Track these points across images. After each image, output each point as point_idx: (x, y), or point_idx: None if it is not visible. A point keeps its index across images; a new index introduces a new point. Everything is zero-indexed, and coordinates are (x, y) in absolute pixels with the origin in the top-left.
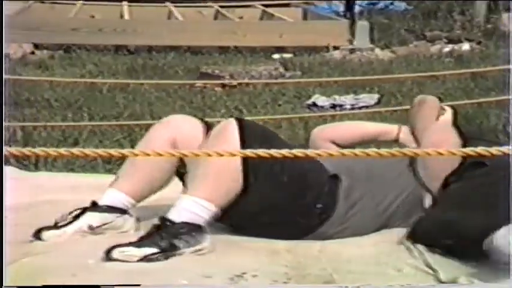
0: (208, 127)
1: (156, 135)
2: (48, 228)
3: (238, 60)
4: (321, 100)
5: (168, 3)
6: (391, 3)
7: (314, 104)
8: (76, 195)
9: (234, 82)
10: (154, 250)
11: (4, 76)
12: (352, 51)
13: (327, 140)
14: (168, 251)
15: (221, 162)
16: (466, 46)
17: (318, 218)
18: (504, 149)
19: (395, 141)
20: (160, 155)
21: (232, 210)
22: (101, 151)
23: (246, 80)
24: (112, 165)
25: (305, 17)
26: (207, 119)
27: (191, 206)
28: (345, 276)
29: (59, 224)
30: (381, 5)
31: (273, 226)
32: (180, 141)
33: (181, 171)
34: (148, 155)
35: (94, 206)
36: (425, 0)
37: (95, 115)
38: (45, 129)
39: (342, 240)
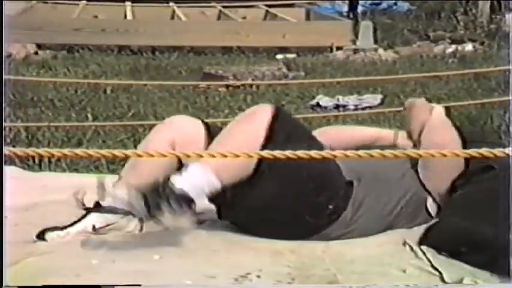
0: (210, 129)
1: (158, 137)
2: (52, 229)
3: (241, 61)
4: (325, 100)
5: (171, 4)
6: (395, 4)
7: (317, 105)
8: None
9: (238, 82)
10: (142, 204)
11: (5, 76)
12: (355, 51)
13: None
14: (151, 211)
15: (240, 142)
16: (469, 46)
17: (327, 219)
18: (507, 150)
19: (393, 146)
20: (164, 155)
21: (241, 203)
22: (104, 151)
23: (249, 81)
24: (116, 165)
25: (308, 17)
26: (210, 120)
27: (197, 174)
28: (348, 276)
29: (63, 225)
30: (384, 5)
31: (279, 223)
32: (180, 143)
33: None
34: (151, 155)
35: (98, 207)
36: (428, 1)
37: (98, 115)
38: (49, 130)
39: (345, 240)
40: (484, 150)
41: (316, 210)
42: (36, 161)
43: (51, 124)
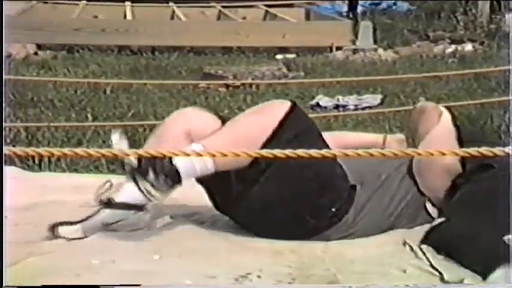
0: (223, 121)
1: (171, 128)
2: (63, 223)
3: (241, 61)
4: (324, 101)
5: (171, 4)
6: (394, 4)
7: (317, 105)
8: (80, 195)
9: (237, 82)
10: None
11: (5, 76)
12: (355, 51)
13: None
14: (137, 173)
15: (247, 131)
16: (469, 46)
17: (328, 221)
18: (507, 149)
19: None
20: (164, 155)
21: (243, 201)
22: (104, 151)
23: (249, 81)
24: (116, 165)
25: (308, 17)
26: None
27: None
28: (348, 276)
29: (74, 220)
30: (384, 5)
31: (279, 223)
32: (198, 131)
33: None
34: (152, 155)
35: (110, 203)
36: (428, 1)
37: (98, 115)
38: (49, 130)
39: (345, 240)
40: (484, 149)
41: (318, 212)
42: (36, 161)
43: (51, 124)
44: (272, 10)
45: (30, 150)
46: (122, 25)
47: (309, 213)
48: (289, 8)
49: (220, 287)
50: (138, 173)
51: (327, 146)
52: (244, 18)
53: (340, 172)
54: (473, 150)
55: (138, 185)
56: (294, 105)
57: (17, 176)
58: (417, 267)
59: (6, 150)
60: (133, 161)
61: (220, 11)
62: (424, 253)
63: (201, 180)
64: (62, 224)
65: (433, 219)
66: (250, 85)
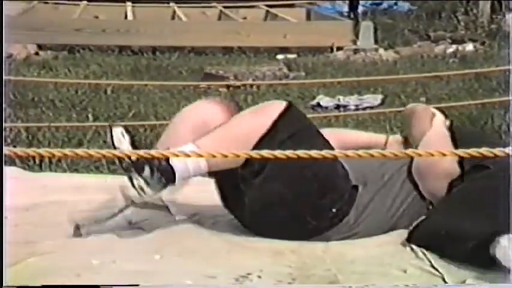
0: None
1: (188, 118)
2: (88, 222)
3: (242, 61)
4: (325, 101)
5: (171, 4)
6: (395, 4)
7: (318, 105)
8: (80, 195)
9: (238, 83)
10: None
11: (5, 77)
12: (356, 51)
13: None
14: (132, 170)
15: (241, 132)
16: (470, 46)
17: (329, 222)
18: (507, 149)
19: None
20: (164, 154)
21: (244, 201)
22: (105, 151)
23: (250, 81)
24: (116, 165)
25: (309, 17)
26: None
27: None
28: (349, 276)
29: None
30: (385, 5)
31: (280, 223)
32: (213, 124)
33: None
34: (153, 156)
35: (135, 202)
36: (429, 0)
37: (99, 116)
38: (50, 130)
39: (346, 241)
40: (484, 150)
41: (319, 212)
42: (37, 161)
43: (52, 124)
44: (273, 10)
45: (31, 151)
46: (122, 25)
47: (310, 213)
48: (290, 8)
49: (220, 287)
50: (134, 168)
51: (327, 145)
52: (245, 18)
53: (341, 172)
54: (473, 151)
55: (131, 181)
56: (289, 106)
57: (18, 176)
58: (418, 268)
59: (7, 150)
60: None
61: (221, 11)
62: (424, 253)
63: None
64: (85, 222)
65: None
66: (251, 85)
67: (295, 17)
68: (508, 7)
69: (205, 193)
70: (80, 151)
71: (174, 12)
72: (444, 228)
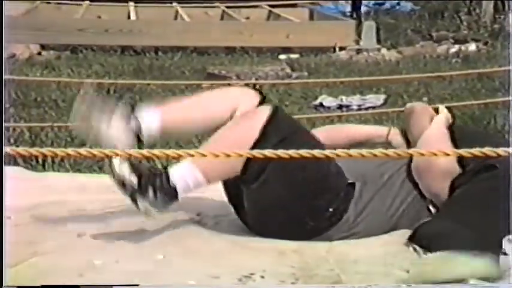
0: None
1: (220, 100)
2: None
3: (244, 61)
4: (328, 101)
5: (174, 4)
6: (398, 4)
7: (321, 105)
8: (83, 195)
9: (241, 82)
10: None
11: (8, 77)
12: (358, 51)
13: None
14: (137, 193)
15: (232, 142)
16: (472, 46)
17: (328, 222)
18: (510, 149)
19: (387, 143)
20: (165, 154)
21: (244, 204)
22: (108, 151)
23: (253, 81)
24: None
25: (311, 17)
26: None
27: (186, 171)
28: (352, 276)
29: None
30: (387, 5)
31: (280, 225)
32: (241, 111)
33: None
34: (155, 155)
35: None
36: (431, 0)
37: None
38: (52, 130)
39: (349, 241)
40: (486, 149)
41: (316, 213)
42: (40, 161)
43: (55, 124)
44: (275, 10)
45: (34, 150)
46: (125, 25)
47: (307, 215)
48: (292, 8)
49: (223, 287)
50: (138, 193)
51: (319, 145)
52: (248, 18)
53: (335, 171)
54: (475, 150)
55: (137, 205)
56: (274, 110)
57: (20, 176)
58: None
59: (10, 150)
60: (134, 181)
61: (223, 11)
62: (427, 254)
63: None
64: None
65: None
66: (254, 85)
67: (298, 17)
68: (511, 7)
69: (208, 192)
70: (82, 151)
71: (177, 12)
72: (449, 229)
